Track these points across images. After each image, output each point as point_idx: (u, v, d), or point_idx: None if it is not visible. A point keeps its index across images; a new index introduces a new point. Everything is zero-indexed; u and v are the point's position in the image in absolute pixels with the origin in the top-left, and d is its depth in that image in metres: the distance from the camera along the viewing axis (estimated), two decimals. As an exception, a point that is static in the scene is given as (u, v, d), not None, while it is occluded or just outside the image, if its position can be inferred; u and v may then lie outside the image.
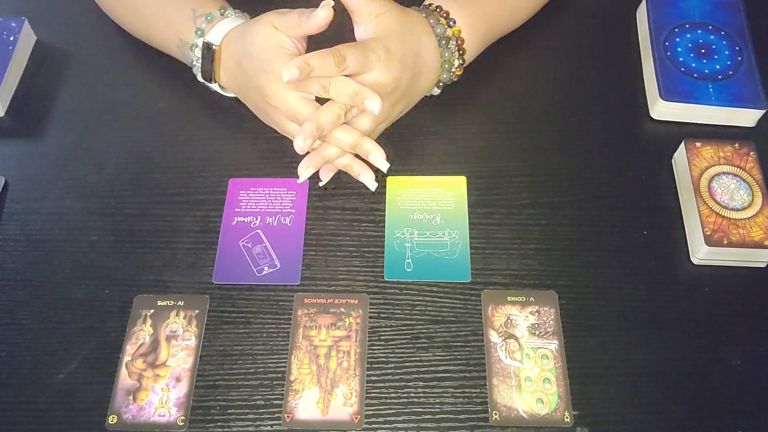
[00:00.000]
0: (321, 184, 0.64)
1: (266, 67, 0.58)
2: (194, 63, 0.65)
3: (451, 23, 0.63)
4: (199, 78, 0.66)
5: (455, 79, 0.66)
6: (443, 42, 0.63)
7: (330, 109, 0.58)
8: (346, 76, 0.57)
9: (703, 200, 0.60)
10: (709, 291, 0.59)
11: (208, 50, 0.63)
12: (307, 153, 0.60)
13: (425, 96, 0.67)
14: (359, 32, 0.61)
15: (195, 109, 0.70)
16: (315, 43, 0.60)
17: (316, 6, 0.57)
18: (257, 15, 0.62)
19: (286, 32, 0.59)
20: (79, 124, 0.70)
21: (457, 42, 0.64)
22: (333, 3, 0.57)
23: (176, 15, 0.65)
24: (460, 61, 0.65)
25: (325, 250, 0.61)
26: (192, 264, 0.61)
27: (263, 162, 0.66)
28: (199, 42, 0.63)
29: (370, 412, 0.54)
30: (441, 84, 0.66)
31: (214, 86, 0.66)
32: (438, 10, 0.64)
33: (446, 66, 0.64)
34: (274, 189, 0.65)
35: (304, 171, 0.61)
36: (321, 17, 0.57)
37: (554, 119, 0.69)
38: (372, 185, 0.62)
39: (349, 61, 0.56)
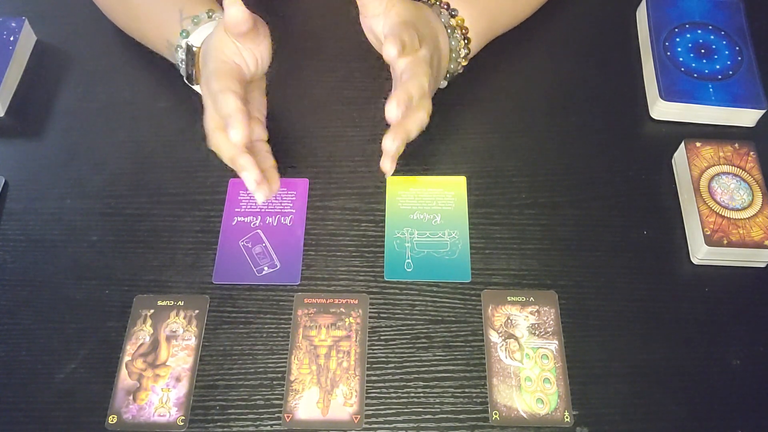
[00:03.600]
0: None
1: (208, 65, 0.57)
2: (179, 64, 0.65)
3: (453, 13, 0.64)
4: (185, 79, 0.66)
5: (460, 71, 0.66)
6: (449, 31, 0.63)
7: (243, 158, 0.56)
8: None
9: (703, 200, 0.60)
10: (709, 291, 0.59)
11: (191, 52, 0.63)
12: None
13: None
14: (379, 25, 0.58)
15: (195, 109, 0.69)
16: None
17: (306, 9, 0.55)
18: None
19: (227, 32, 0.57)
20: (79, 124, 0.70)
21: (462, 31, 0.64)
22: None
23: (165, 16, 0.65)
24: (466, 51, 0.65)
25: (325, 250, 0.61)
26: (192, 264, 0.61)
27: (263, 162, 0.66)
28: (183, 44, 0.63)
29: (370, 412, 0.54)
30: (448, 75, 0.66)
31: (197, 88, 0.66)
32: (438, 2, 0.64)
33: (453, 55, 0.64)
34: (274, 189, 0.65)
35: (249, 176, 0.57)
36: (232, 15, 0.53)
37: (554, 119, 0.69)
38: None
39: (409, 40, 0.54)
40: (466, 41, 0.64)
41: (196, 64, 0.63)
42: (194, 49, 0.62)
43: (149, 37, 0.69)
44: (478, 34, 0.66)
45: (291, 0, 0.60)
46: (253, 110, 0.61)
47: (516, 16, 0.71)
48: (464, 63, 0.66)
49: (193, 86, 0.66)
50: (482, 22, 0.66)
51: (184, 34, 0.63)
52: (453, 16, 0.64)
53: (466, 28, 0.64)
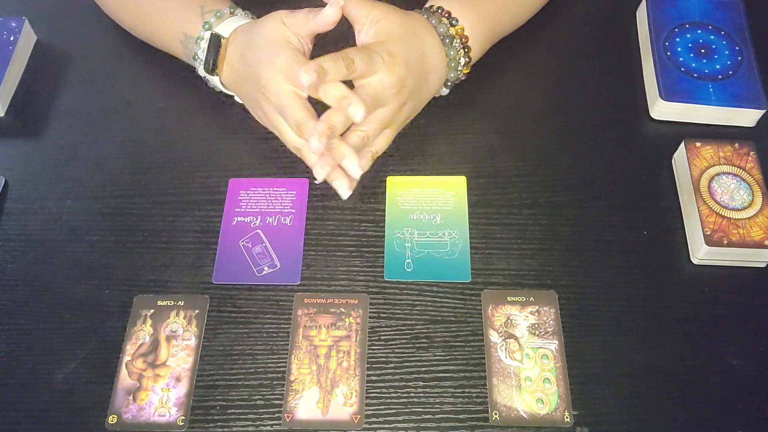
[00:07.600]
0: (317, 181, 0.63)
1: (268, 58, 0.58)
2: (198, 56, 0.65)
3: (453, 22, 0.63)
4: (200, 72, 0.66)
5: (463, 78, 0.66)
6: (447, 41, 0.63)
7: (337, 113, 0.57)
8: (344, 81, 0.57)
9: (703, 200, 0.60)
10: (709, 291, 0.59)
11: (216, 41, 0.63)
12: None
13: (434, 97, 0.67)
14: (361, 38, 0.61)
15: (195, 109, 0.70)
16: (316, 47, 0.60)
17: (323, 6, 0.57)
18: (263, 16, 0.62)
19: (294, 29, 0.59)
20: (79, 124, 0.70)
21: (461, 40, 0.64)
22: (342, 2, 0.57)
23: (181, 11, 0.66)
24: (466, 59, 0.65)
25: (325, 250, 0.61)
26: (192, 264, 0.61)
27: (263, 162, 0.66)
28: (206, 35, 0.63)
29: (370, 412, 0.54)
30: (449, 83, 0.66)
31: (215, 80, 0.66)
32: (439, 11, 0.64)
33: (452, 65, 0.64)
34: (274, 189, 0.65)
35: (321, 171, 0.59)
36: (329, 15, 0.57)
37: (554, 119, 0.69)
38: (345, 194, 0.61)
39: (357, 63, 0.56)
40: (465, 50, 0.64)
41: (222, 53, 0.63)
42: (222, 39, 0.63)
43: (159, 33, 0.69)
44: (479, 40, 0.66)
45: (292, 3, 0.61)
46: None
47: (517, 19, 0.71)
48: (466, 71, 0.65)
49: (211, 77, 0.65)
50: (483, 28, 0.66)
51: (206, 26, 0.64)
52: (453, 25, 0.64)
53: (466, 37, 0.64)
